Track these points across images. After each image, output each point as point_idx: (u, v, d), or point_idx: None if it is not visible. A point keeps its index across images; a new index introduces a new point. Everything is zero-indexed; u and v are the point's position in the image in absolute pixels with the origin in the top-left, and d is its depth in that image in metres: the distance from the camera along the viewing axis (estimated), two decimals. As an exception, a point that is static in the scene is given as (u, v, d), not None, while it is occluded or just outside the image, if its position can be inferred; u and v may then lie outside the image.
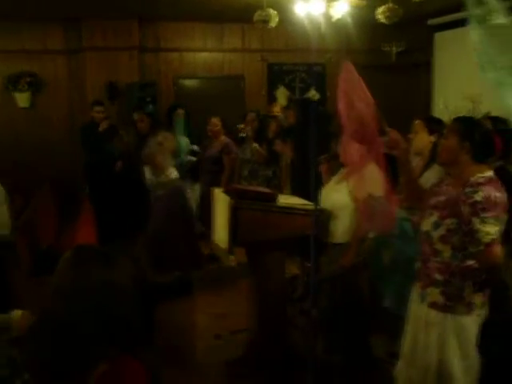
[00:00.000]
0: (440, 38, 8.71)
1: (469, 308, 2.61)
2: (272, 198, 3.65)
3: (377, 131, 2.88)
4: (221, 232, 3.80)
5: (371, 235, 3.69)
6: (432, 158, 3.54)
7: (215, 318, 4.93)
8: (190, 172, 6.73)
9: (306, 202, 3.71)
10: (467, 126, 2.67)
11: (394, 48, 9.01)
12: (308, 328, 3.68)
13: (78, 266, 1.62)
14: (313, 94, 9.38)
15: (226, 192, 3.76)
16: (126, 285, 1.59)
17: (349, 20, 7.18)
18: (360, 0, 6.55)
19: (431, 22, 8.68)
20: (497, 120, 3.37)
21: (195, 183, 6.91)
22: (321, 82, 9.53)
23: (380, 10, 6.48)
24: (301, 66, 9.55)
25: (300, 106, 5.75)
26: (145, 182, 5.72)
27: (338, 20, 7.00)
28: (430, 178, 3.38)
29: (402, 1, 6.45)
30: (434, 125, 3.68)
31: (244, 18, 7.31)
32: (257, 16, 6.57)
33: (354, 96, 2.87)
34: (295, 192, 4.86)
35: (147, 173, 5.65)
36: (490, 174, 2.62)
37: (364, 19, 7.61)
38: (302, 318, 4.49)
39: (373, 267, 3.74)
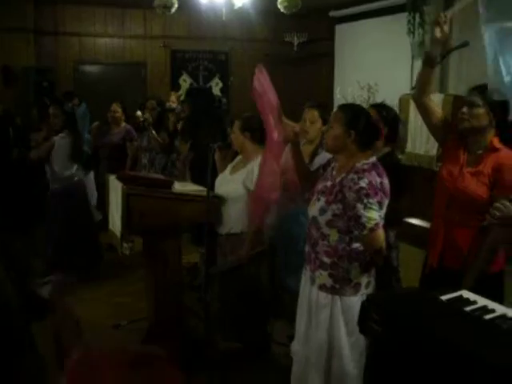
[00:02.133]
0: (340, 29, 8.95)
1: (355, 289, 2.70)
2: (166, 185, 3.61)
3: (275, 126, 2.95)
4: (115, 219, 3.72)
5: (268, 223, 3.72)
6: (321, 144, 3.64)
7: (113, 308, 4.84)
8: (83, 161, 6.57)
9: (201, 188, 3.69)
10: (352, 114, 2.72)
11: (296, 38, 9.15)
12: (206, 316, 3.67)
13: None
14: (216, 82, 9.41)
15: (120, 178, 3.68)
16: None
17: (252, 9, 7.23)
18: (261, -11, 6.60)
19: (333, 14, 8.90)
20: (381, 107, 3.49)
21: (89, 171, 6.74)
22: (224, 70, 9.55)
23: (280, 0, 6.56)
24: (204, 54, 9.53)
25: (194, 95, 5.70)
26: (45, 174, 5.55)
27: (241, 8, 7.03)
28: (320, 162, 3.45)
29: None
30: (327, 114, 3.76)
31: (146, 3, 7.20)
32: (157, 1, 6.48)
33: (265, 101, 2.96)
34: (195, 181, 4.85)
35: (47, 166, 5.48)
36: (373, 159, 2.71)
37: (267, 9, 7.69)
38: (200, 305, 4.48)
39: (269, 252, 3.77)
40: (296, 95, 7.92)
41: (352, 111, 2.76)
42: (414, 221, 5.59)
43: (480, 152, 2.89)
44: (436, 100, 5.21)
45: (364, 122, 2.71)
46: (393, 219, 2.88)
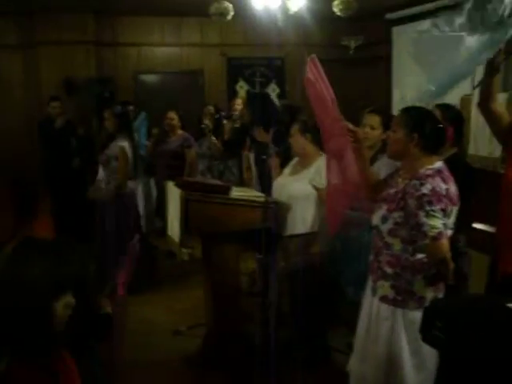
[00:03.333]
0: (397, 31, 8.79)
1: (419, 303, 2.57)
2: (225, 191, 3.61)
3: (339, 127, 2.88)
4: (174, 225, 3.75)
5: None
6: (382, 149, 3.55)
7: (173, 314, 4.88)
8: (143, 168, 6.68)
9: (259, 194, 3.68)
10: (415, 117, 2.61)
11: (352, 42, 9.03)
12: (266, 322, 3.65)
13: (15, 257, 1.57)
14: (273, 88, 9.40)
15: (178, 185, 3.71)
16: (39, 283, 1.52)
17: (307, 13, 7.19)
18: (317, -7, 6.55)
19: (389, 16, 8.75)
20: (446, 107, 3.37)
21: (149, 178, 6.86)
22: (280, 76, 9.53)
23: (335, 2, 6.50)
24: (260, 60, 9.54)
25: (254, 100, 5.70)
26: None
27: (296, 13, 7.00)
28: (380, 167, 3.38)
29: (359, -5, 6.48)
30: (389, 120, 3.67)
31: (202, 11, 7.24)
32: (213, 9, 6.53)
33: (319, 91, 2.89)
34: (264, 189, 4.83)
35: (99, 174, 5.56)
36: (439, 164, 2.59)
37: (322, 13, 7.63)
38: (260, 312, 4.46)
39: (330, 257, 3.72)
40: (353, 99, 7.80)
41: (415, 114, 2.65)
42: (477, 225, 5.41)
43: None
44: (500, 99, 5.05)
45: (429, 124, 2.60)
46: (463, 222, 2.76)
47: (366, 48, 9.15)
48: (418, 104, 2.76)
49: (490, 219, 3.81)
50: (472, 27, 2.54)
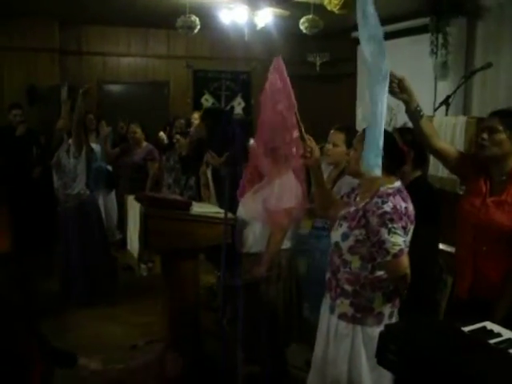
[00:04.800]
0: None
1: (378, 319, 2.60)
2: (185, 207, 3.59)
3: (293, 134, 2.85)
4: (133, 240, 3.71)
5: (285, 246, 3.68)
6: (345, 168, 3.57)
7: (130, 328, 4.82)
8: (105, 179, 6.61)
9: (219, 210, 3.67)
10: None
11: (318, 59, 9.15)
12: (223, 338, 3.62)
13: None
14: (238, 101, 9.43)
15: (138, 199, 3.68)
16: None
17: (274, 29, 7.25)
18: (283, 10, 6.61)
19: (355, 34, 8.88)
20: (405, 131, 3.41)
21: (111, 191, 6.79)
22: (247, 90, 9.58)
23: (302, 20, 6.57)
24: (226, 74, 9.58)
25: (211, 116, 5.68)
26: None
27: (263, 29, 7.05)
28: (342, 187, 3.40)
29: (325, 13, 6.54)
30: (353, 137, 3.70)
31: (169, 23, 7.24)
32: (180, 22, 6.53)
33: (278, 96, 2.84)
34: (222, 205, 4.83)
35: (55, 182, 5.49)
36: (398, 184, 2.62)
37: (289, 29, 7.70)
38: (218, 327, 4.44)
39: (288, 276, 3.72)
40: (318, 115, 7.88)
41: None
42: (441, 247, 5.47)
43: (503, 179, 2.74)
44: (459, 123, 5.15)
45: (388, 145, 2.63)
46: (436, 247, 2.79)
47: (332, 65, 9.28)
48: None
49: (449, 239, 3.85)
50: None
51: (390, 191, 2.56)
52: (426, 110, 5.79)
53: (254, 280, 3.59)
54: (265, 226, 3.62)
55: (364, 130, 2.72)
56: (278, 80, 2.81)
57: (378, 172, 2.44)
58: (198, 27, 6.66)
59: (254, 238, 3.67)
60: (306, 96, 9.21)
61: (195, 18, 6.58)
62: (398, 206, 2.50)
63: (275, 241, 3.57)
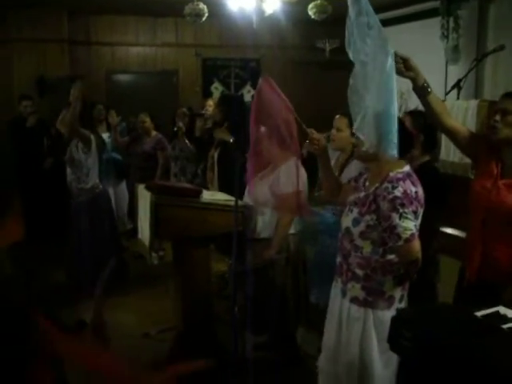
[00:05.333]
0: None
1: (389, 302, 2.62)
2: (195, 194, 3.59)
3: (296, 139, 2.88)
4: (144, 229, 3.72)
5: (293, 231, 3.68)
6: (353, 153, 3.57)
7: (142, 317, 4.84)
8: (116, 170, 6.63)
9: (230, 198, 3.66)
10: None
11: (327, 45, 9.08)
12: (233, 324, 3.63)
13: None
14: (248, 89, 9.40)
15: (148, 188, 3.68)
16: None
17: (282, 16, 7.19)
18: (292, -4, 6.57)
19: (364, 19, 8.82)
20: (417, 114, 3.38)
21: (121, 181, 6.81)
22: (256, 78, 9.50)
23: (310, 5, 6.52)
24: (235, 62, 9.54)
25: (227, 102, 5.69)
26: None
27: (271, 16, 7.00)
28: (350, 172, 3.39)
29: (334, -1, 6.49)
30: None
31: (177, 12, 7.22)
32: (188, 10, 6.50)
33: (271, 110, 2.90)
34: (223, 189, 4.82)
35: (68, 176, 5.50)
36: (407, 168, 2.62)
37: (298, 16, 7.64)
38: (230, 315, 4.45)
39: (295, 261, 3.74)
40: (328, 101, 7.84)
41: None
42: (449, 230, 5.45)
43: None
44: (471, 106, 5.10)
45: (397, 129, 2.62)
46: (435, 230, 2.78)
47: (342, 51, 9.16)
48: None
49: (460, 224, 3.83)
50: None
51: (400, 176, 2.55)
52: (438, 94, 5.76)
53: (263, 264, 3.61)
54: (273, 212, 3.63)
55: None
56: (268, 98, 2.87)
57: (393, 153, 2.44)
58: (206, 15, 6.64)
59: (263, 223, 3.71)
60: (316, 82, 9.24)
61: (203, 6, 6.55)
62: (409, 191, 2.50)
63: (283, 225, 3.59)
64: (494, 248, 2.72)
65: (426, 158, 3.30)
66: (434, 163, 3.47)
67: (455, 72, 7.01)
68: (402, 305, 2.67)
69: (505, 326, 1.90)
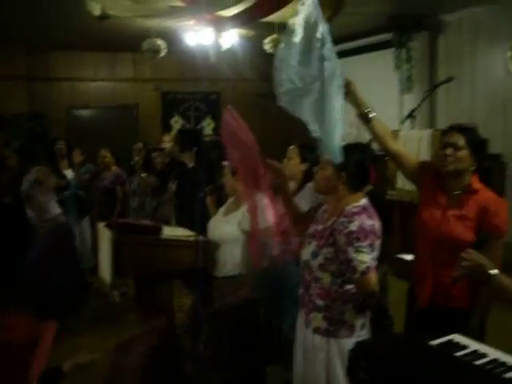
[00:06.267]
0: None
1: (350, 331, 2.67)
2: (155, 231, 3.59)
3: (261, 169, 2.93)
4: (105, 266, 3.70)
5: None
6: (303, 182, 3.66)
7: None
8: (78, 206, 6.57)
9: (191, 233, 3.67)
10: (343, 156, 2.66)
11: (285, 77, 9.22)
12: (201, 361, 3.61)
13: None
14: (208, 122, 9.47)
15: (108, 226, 3.66)
16: None
17: (240, 50, 7.32)
18: (248, 31, 6.68)
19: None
20: (364, 148, 3.46)
21: (84, 217, 6.75)
22: (216, 111, 9.62)
23: (266, 40, 6.65)
24: (195, 95, 9.62)
25: (184, 137, 5.74)
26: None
27: (230, 49, 7.12)
28: (300, 201, 3.43)
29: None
30: (307, 152, 3.77)
31: (135, 47, 7.27)
32: (145, 45, 6.55)
33: (236, 140, 2.93)
34: (181, 223, 4.83)
35: (28, 212, 5.44)
36: (364, 202, 2.68)
37: (256, 49, 7.78)
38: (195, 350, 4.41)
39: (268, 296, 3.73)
40: (287, 134, 7.95)
41: (343, 153, 2.70)
42: (406, 256, 5.55)
43: (459, 193, 2.83)
44: (425, 136, 5.24)
45: (354, 164, 2.69)
46: (382, 255, 2.84)
47: (299, 83, 9.37)
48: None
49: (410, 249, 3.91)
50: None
51: (356, 210, 2.62)
52: (393, 124, 5.93)
53: (234, 303, 3.59)
54: (243, 248, 3.63)
55: None
56: (234, 129, 2.92)
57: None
58: (165, 50, 6.70)
59: (233, 260, 3.68)
60: (272, 114, 9.32)
61: (161, 42, 6.62)
62: (364, 225, 2.56)
63: (257, 262, 3.58)
64: (444, 275, 2.79)
65: (369, 187, 3.37)
66: (376, 192, 3.53)
67: (409, 102, 7.22)
68: (364, 332, 2.72)
69: (458, 354, 1.95)
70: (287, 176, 3.80)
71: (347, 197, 2.68)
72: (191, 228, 3.75)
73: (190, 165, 5.20)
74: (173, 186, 5.58)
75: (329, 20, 5.09)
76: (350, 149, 2.76)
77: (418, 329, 2.82)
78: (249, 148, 2.89)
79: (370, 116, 2.86)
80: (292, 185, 3.88)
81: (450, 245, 2.77)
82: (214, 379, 3.69)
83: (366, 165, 2.76)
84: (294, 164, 3.81)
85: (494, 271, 2.13)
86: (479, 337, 2.55)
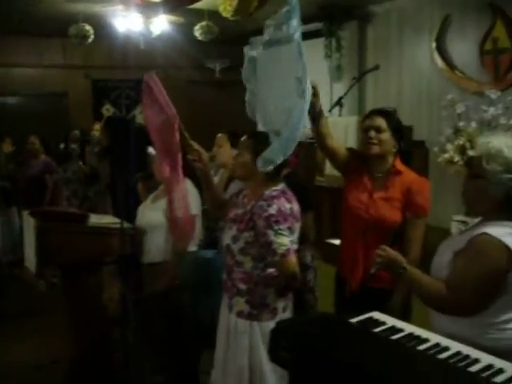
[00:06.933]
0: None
1: (273, 314, 2.72)
2: (81, 219, 3.53)
3: (179, 143, 2.93)
4: (30, 256, 3.60)
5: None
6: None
7: (34, 348, 4.66)
8: (3, 196, 6.39)
9: (118, 220, 3.62)
10: (259, 142, 2.71)
11: (217, 65, 9.23)
12: (127, 349, 3.59)
13: None
14: (140, 110, 9.33)
15: (32, 214, 3.57)
16: None
17: (171, 37, 7.25)
18: (178, 17, 6.62)
19: (253, 40, 9.03)
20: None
21: (11, 206, 6.56)
22: (148, 99, 9.49)
23: (196, 27, 6.61)
24: (126, 83, 9.45)
25: (113, 125, 5.65)
26: None
27: (161, 36, 7.04)
28: (236, 188, 3.46)
29: (223, 20, 6.59)
30: (236, 139, 3.78)
31: (64, 32, 7.08)
32: (72, 30, 6.40)
33: (156, 108, 2.91)
34: (116, 211, 4.77)
35: None
36: (281, 186, 2.74)
37: (188, 36, 7.72)
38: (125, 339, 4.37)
39: (192, 283, 3.73)
40: (219, 120, 7.95)
41: (260, 139, 2.73)
42: (336, 241, 5.67)
43: (382, 175, 2.91)
44: (351, 123, 5.36)
45: None
46: (301, 238, 2.90)
47: (232, 71, 9.37)
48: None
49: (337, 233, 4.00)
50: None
51: (275, 193, 2.67)
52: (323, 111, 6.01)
53: (159, 290, 3.58)
54: (168, 235, 3.62)
55: (250, 136, 2.83)
56: (153, 95, 2.90)
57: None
58: (92, 37, 6.56)
59: (157, 247, 3.66)
60: (206, 101, 9.34)
61: (89, 27, 6.48)
62: (283, 208, 2.62)
63: (180, 249, 3.58)
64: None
65: (286, 171, 3.41)
66: (294, 175, 3.59)
67: (339, 90, 7.34)
68: (286, 314, 2.77)
69: (376, 330, 2.02)
70: (219, 164, 3.84)
71: (266, 181, 2.73)
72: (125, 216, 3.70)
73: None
74: (105, 176, 5.50)
75: (258, 8, 5.14)
76: (266, 135, 2.83)
77: (349, 311, 2.89)
78: (168, 118, 2.88)
79: (322, 115, 2.87)
80: (225, 172, 3.90)
81: (380, 227, 2.84)
82: (144, 367, 3.68)
83: None
84: (224, 151, 3.83)
85: (406, 265, 2.20)
86: (403, 314, 2.65)
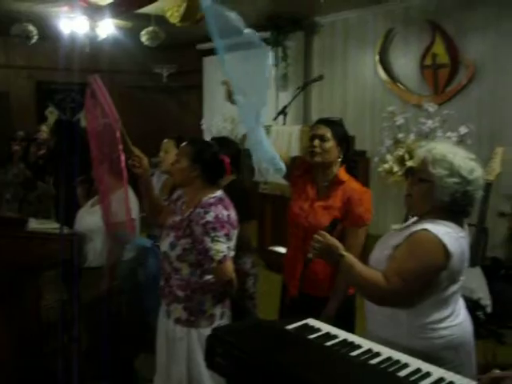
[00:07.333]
0: (208, 62, 9.11)
1: (210, 320, 2.75)
2: (19, 223, 3.46)
3: (120, 149, 2.90)
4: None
5: (126, 258, 3.67)
6: None
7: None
8: None
9: (57, 225, 3.57)
10: (197, 149, 2.77)
11: (165, 70, 9.19)
12: (70, 356, 3.53)
13: None
14: (85, 114, 9.19)
15: (-34, 219, 3.49)
16: None
17: (118, 41, 7.19)
18: (125, 22, 6.58)
19: (200, 46, 9.05)
20: (222, 140, 3.54)
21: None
22: (93, 102, 9.35)
23: (142, 33, 6.59)
24: (72, 86, 9.28)
25: (60, 128, 5.57)
26: None
27: (107, 40, 6.97)
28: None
29: (171, 26, 6.59)
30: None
31: (6, 31, 6.91)
32: (15, 30, 6.26)
33: (99, 111, 2.89)
34: (58, 215, 4.69)
35: None
36: (219, 193, 2.77)
37: (135, 41, 7.67)
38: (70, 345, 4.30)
39: (129, 287, 3.71)
40: (166, 125, 7.93)
41: (197, 146, 2.80)
42: (279, 249, 5.74)
43: (326, 184, 2.96)
44: (294, 131, 5.44)
45: (209, 157, 2.77)
46: (242, 246, 2.94)
47: (180, 76, 9.36)
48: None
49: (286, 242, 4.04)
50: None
51: (212, 201, 2.71)
52: (268, 119, 6.09)
53: (97, 295, 3.55)
54: (105, 240, 3.59)
55: (188, 143, 2.85)
56: (96, 98, 2.87)
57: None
58: (36, 37, 6.43)
59: (95, 252, 3.64)
60: (154, 107, 9.29)
61: (33, 28, 6.35)
62: (220, 215, 2.65)
63: (116, 253, 3.56)
64: (313, 265, 2.91)
65: (231, 177, 3.44)
66: (239, 182, 3.62)
67: (285, 99, 7.43)
68: (224, 321, 2.81)
69: (312, 336, 2.06)
70: (164, 170, 3.82)
71: (204, 188, 2.76)
72: (67, 221, 3.65)
73: None
74: (51, 179, 5.40)
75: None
76: (205, 142, 2.88)
77: (289, 317, 2.93)
78: (109, 123, 2.85)
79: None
80: (170, 178, 3.88)
81: None
82: (86, 374, 3.63)
83: (221, 158, 2.84)
84: (170, 157, 3.80)
85: (343, 252, 2.23)
86: (344, 322, 2.69)
